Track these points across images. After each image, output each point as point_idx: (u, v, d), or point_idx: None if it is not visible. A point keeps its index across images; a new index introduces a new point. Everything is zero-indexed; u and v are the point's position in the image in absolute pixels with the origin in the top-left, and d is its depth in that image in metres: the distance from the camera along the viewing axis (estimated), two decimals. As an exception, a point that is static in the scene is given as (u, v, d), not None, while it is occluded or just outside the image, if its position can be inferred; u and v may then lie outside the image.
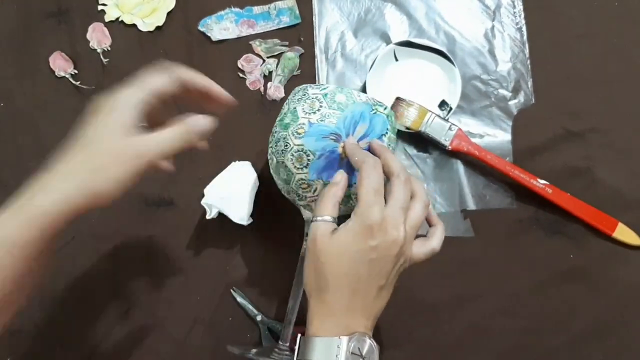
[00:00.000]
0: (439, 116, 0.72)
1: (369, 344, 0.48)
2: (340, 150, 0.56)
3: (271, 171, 0.62)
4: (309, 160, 0.56)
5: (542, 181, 0.70)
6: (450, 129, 0.71)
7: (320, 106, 0.57)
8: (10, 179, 0.74)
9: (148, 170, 0.49)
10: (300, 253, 0.63)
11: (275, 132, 0.60)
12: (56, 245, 0.51)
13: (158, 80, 0.52)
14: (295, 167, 0.57)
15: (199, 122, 0.52)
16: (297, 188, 0.59)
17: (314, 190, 0.58)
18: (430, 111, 0.71)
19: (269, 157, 0.61)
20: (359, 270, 0.49)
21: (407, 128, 0.72)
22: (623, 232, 0.70)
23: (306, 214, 0.62)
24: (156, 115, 0.52)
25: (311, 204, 0.60)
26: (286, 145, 0.57)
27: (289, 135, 0.57)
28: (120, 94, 0.50)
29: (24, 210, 0.47)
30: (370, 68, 0.73)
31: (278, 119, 0.60)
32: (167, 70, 0.53)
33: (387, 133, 0.58)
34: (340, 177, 0.53)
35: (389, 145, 0.58)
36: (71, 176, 0.48)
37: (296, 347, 0.50)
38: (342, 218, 0.51)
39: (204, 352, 0.70)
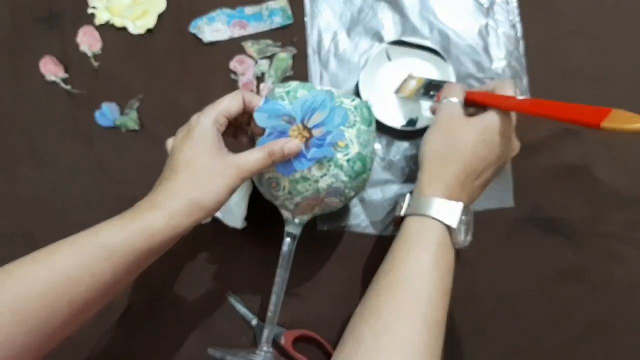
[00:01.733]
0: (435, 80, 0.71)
1: (472, 214, 0.59)
2: (290, 132, 0.56)
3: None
4: None
5: (522, 96, 0.64)
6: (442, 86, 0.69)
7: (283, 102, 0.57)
8: (1, 184, 0.74)
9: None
10: (281, 252, 0.62)
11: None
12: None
13: (226, 101, 0.56)
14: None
15: (285, 148, 0.55)
16: (268, 187, 0.59)
17: (283, 188, 0.58)
18: (428, 79, 0.71)
19: None
20: (483, 157, 0.59)
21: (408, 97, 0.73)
22: (616, 118, 0.56)
23: (284, 214, 0.62)
24: (227, 133, 0.58)
25: (285, 203, 0.59)
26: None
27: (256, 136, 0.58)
28: (201, 117, 0.55)
29: (135, 220, 0.51)
30: (363, 68, 0.73)
31: None
32: (234, 93, 0.57)
33: (355, 125, 0.58)
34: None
35: (359, 136, 0.58)
36: (176, 193, 0.52)
37: (404, 204, 0.60)
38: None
39: (199, 356, 0.69)
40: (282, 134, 0.56)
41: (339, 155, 0.57)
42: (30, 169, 0.74)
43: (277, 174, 0.57)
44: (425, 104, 0.72)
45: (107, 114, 0.74)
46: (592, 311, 0.69)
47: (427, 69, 0.74)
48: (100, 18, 0.77)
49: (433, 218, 0.56)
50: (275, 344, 0.68)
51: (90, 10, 0.77)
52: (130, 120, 0.74)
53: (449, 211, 0.56)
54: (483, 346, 0.69)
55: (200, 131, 0.54)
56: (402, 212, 0.59)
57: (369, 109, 0.60)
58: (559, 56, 0.75)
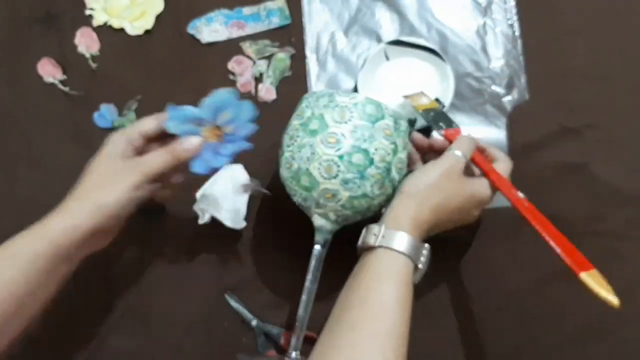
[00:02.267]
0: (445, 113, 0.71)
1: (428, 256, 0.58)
2: (202, 134, 0.61)
3: (285, 173, 0.61)
4: (338, 170, 0.57)
5: (521, 194, 0.65)
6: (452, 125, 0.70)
7: (352, 116, 0.57)
8: (0, 185, 0.74)
9: (148, 186, 0.57)
10: (312, 256, 0.62)
11: (298, 136, 0.59)
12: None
13: (142, 121, 0.61)
14: (322, 176, 0.57)
15: (184, 144, 0.59)
16: (319, 197, 0.58)
17: (338, 200, 0.58)
18: (438, 106, 0.71)
19: (285, 160, 0.60)
20: (456, 219, 0.61)
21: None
22: (594, 279, 0.58)
23: (319, 221, 0.61)
24: (144, 150, 0.60)
25: (329, 214, 0.60)
26: (313, 154, 0.57)
27: (317, 143, 0.57)
28: (112, 135, 0.59)
29: (39, 225, 0.55)
30: (362, 68, 0.73)
31: (298, 122, 0.60)
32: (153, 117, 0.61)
33: (351, 121, 0.58)
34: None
35: (355, 131, 0.58)
36: (78, 195, 0.56)
37: (379, 234, 0.56)
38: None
39: (198, 358, 0.69)
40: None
41: (397, 177, 0.60)
42: (28, 170, 0.74)
43: (339, 187, 0.57)
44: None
45: (106, 115, 0.74)
46: (591, 310, 0.69)
47: (425, 68, 0.74)
48: (98, 19, 0.76)
49: (406, 255, 0.55)
50: (273, 344, 0.68)
51: (88, 12, 0.77)
52: (129, 121, 0.74)
53: (421, 252, 0.56)
54: (482, 345, 0.69)
55: (107, 143, 0.59)
56: (377, 243, 0.55)
57: (377, 106, 0.59)
58: (557, 55, 0.75)
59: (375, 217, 0.61)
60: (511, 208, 0.71)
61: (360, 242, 0.57)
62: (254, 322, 0.69)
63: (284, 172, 0.61)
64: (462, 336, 0.69)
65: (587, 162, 0.72)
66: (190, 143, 0.59)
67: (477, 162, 0.63)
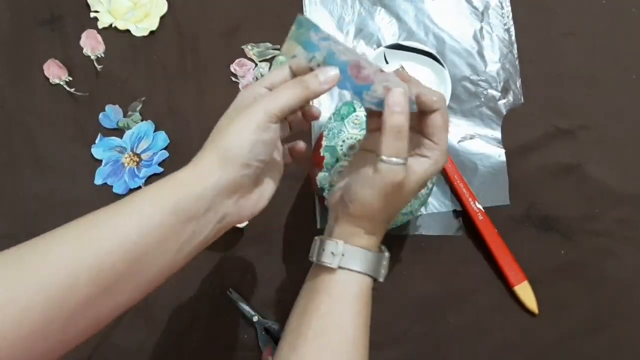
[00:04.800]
0: None
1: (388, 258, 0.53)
2: (123, 160, 0.72)
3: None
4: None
5: (479, 205, 0.71)
6: None
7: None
8: (4, 186, 0.75)
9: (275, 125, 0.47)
10: None
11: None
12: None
13: (283, 96, 0.48)
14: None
15: (320, 75, 0.48)
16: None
17: None
18: None
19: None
20: (407, 201, 0.51)
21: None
22: (524, 291, 0.69)
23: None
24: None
25: None
26: (340, 131, 0.61)
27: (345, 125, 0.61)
28: (243, 91, 0.51)
29: (160, 180, 0.47)
30: None
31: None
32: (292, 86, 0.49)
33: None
34: (401, 97, 0.47)
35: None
36: (205, 146, 0.48)
37: (325, 251, 0.50)
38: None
39: (200, 354, 0.70)
40: (117, 162, 0.74)
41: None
42: (34, 170, 0.75)
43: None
44: None
45: (111, 116, 0.76)
46: (586, 307, 0.70)
47: (423, 72, 0.75)
48: (103, 21, 0.78)
49: (368, 275, 0.50)
50: (274, 340, 0.69)
51: (92, 14, 0.78)
52: (133, 122, 0.75)
53: (381, 264, 0.52)
54: (479, 342, 0.70)
55: (236, 101, 0.51)
56: (336, 264, 0.50)
57: (349, 105, 0.63)
58: (551, 58, 0.77)
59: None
60: (506, 207, 0.73)
61: (314, 257, 0.51)
62: (255, 319, 0.70)
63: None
64: (459, 333, 0.70)
65: (580, 163, 0.73)
66: (327, 74, 0.48)
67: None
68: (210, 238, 0.49)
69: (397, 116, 0.46)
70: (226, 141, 0.46)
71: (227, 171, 0.46)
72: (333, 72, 0.48)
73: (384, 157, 0.47)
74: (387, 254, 0.52)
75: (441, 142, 0.49)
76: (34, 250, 0.44)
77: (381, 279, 0.51)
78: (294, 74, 0.50)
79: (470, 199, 0.71)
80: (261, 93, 0.50)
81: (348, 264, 0.50)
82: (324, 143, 0.61)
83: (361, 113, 0.60)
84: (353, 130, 0.59)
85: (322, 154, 0.61)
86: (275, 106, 0.47)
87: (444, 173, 0.73)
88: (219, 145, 0.46)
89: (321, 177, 0.61)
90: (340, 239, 0.50)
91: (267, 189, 0.52)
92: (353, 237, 0.50)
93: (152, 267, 0.46)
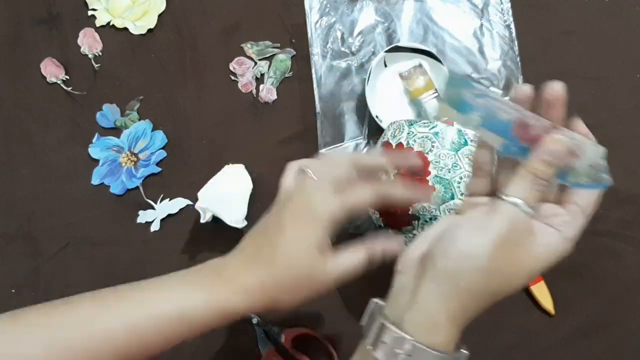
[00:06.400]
0: (439, 97, 0.72)
1: None
2: (121, 159, 0.71)
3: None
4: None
5: None
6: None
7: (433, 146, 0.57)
8: (2, 185, 0.74)
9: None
10: None
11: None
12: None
13: (359, 193, 0.47)
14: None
15: (380, 246, 0.48)
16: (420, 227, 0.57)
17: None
18: (435, 89, 0.72)
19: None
20: (519, 279, 0.40)
21: (410, 92, 0.73)
22: (541, 291, 0.69)
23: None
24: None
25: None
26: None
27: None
28: (317, 198, 0.46)
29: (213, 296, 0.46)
30: (367, 83, 0.72)
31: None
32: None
33: (433, 150, 0.57)
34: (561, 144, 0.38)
35: (438, 161, 0.57)
36: (257, 290, 0.46)
37: (402, 352, 0.38)
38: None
39: (200, 356, 0.69)
40: (114, 161, 0.73)
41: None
42: (31, 169, 0.75)
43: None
44: (433, 110, 0.72)
45: (108, 115, 0.75)
46: (589, 308, 0.70)
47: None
48: (101, 20, 0.77)
49: None
50: (273, 342, 0.68)
51: (90, 12, 0.77)
52: (131, 121, 0.75)
53: None
54: (481, 344, 0.69)
55: (317, 216, 0.46)
56: (368, 345, 0.40)
57: (459, 133, 0.58)
58: (552, 56, 0.76)
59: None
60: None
61: (368, 344, 0.40)
62: (254, 320, 0.69)
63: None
64: (462, 335, 0.70)
65: (583, 163, 0.73)
66: (392, 247, 0.47)
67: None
68: None
69: (543, 162, 0.38)
70: (283, 301, 0.46)
71: (272, 304, 0.46)
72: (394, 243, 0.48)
73: (508, 196, 0.38)
74: (466, 353, 0.42)
75: (578, 223, 0.41)
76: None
77: None
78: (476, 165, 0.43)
79: None
80: (328, 202, 0.46)
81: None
82: (432, 171, 0.55)
83: (473, 148, 0.48)
84: (469, 168, 0.54)
85: (431, 184, 0.55)
86: (341, 280, 0.46)
87: None
88: (276, 302, 0.46)
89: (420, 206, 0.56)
90: (411, 330, 0.38)
91: None
92: (432, 328, 0.39)
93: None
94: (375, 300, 0.43)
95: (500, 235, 0.37)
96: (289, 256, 0.46)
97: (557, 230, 0.39)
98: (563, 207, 0.41)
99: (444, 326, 0.39)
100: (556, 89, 0.41)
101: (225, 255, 0.49)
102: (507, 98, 0.45)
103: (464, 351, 0.41)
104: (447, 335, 0.39)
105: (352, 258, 0.47)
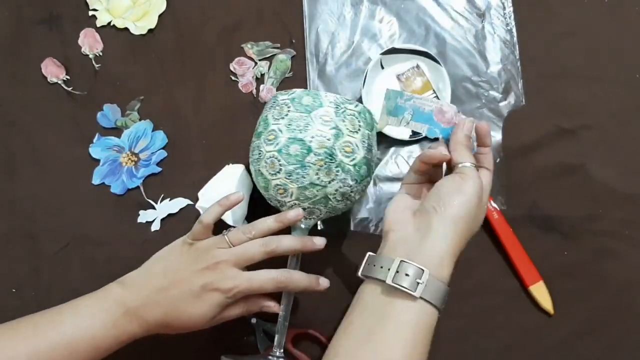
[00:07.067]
0: (437, 98, 0.73)
1: None
2: (121, 159, 0.72)
3: (254, 181, 0.63)
4: (280, 165, 0.58)
5: (494, 204, 0.71)
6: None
7: (289, 110, 0.59)
8: (2, 185, 0.74)
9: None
10: (288, 259, 0.63)
11: (252, 142, 0.62)
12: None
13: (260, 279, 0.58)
14: (269, 173, 0.59)
15: (294, 277, 0.59)
16: (275, 194, 0.60)
17: (291, 195, 0.59)
18: (433, 90, 0.73)
19: (250, 168, 0.63)
20: (482, 214, 0.56)
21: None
22: (540, 291, 0.69)
23: None
24: None
25: (292, 209, 0.61)
26: (259, 153, 0.60)
27: (262, 143, 0.59)
28: (234, 290, 0.57)
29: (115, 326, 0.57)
30: (364, 83, 0.72)
31: (255, 130, 0.62)
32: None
33: (360, 130, 0.59)
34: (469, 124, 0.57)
35: (364, 141, 0.59)
36: (156, 325, 0.58)
37: (422, 281, 0.49)
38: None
39: (199, 356, 0.69)
40: (114, 161, 0.73)
41: (346, 160, 0.58)
42: (31, 169, 0.74)
43: (285, 180, 0.58)
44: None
45: (109, 115, 0.75)
46: (588, 308, 0.70)
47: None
48: (101, 20, 0.77)
49: (440, 309, 0.51)
50: (272, 342, 0.68)
51: (91, 13, 0.78)
52: (132, 121, 0.75)
53: (444, 296, 0.51)
54: (481, 343, 0.70)
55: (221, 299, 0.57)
56: (418, 293, 0.49)
57: (371, 113, 0.62)
58: (553, 56, 0.76)
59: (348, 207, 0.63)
60: (506, 207, 0.72)
61: (389, 279, 0.50)
62: (254, 320, 0.69)
63: (254, 179, 0.64)
64: (460, 334, 0.70)
65: (583, 163, 0.73)
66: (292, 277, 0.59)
67: None
68: None
69: (465, 135, 0.56)
70: (175, 320, 0.57)
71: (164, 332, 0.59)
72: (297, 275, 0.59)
73: (462, 163, 0.55)
74: (448, 288, 0.51)
75: (489, 162, 0.58)
76: None
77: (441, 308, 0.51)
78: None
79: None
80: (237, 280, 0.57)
81: (430, 296, 0.49)
82: (252, 168, 0.63)
83: (276, 126, 0.60)
84: (268, 147, 0.60)
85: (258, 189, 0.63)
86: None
87: None
88: (166, 317, 0.57)
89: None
90: (425, 265, 0.49)
91: None
92: (441, 265, 0.51)
93: None
94: (372, 253, 0.54)
95: (478, 187, 0.53)
96: (187, 320, 0.57)
97: (488, 170, 0.57)
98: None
99: (447, 262, 0.51)
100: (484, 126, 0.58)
101: (131, 282, 0.58)
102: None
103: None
104: (449, 269, 0.51)
105: (232, 312, 0.59)
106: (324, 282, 0.60)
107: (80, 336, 0.54)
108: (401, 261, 0.50)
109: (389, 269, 0.50)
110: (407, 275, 0.49)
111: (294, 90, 0.61)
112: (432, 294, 0.49)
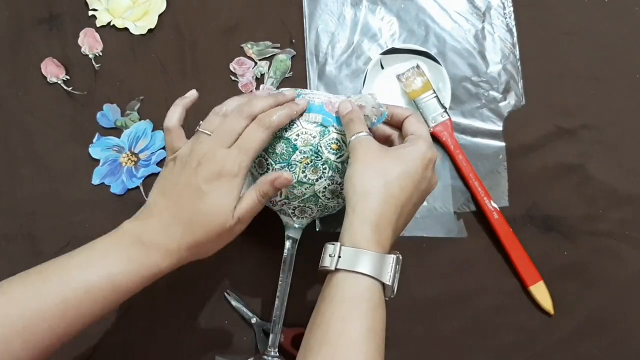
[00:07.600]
0: (437, 98, 0.72)
1: (400, 262, 0.51)
2: (121, 159, 0.71)
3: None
4: (268, 165, 0.58)
5: (494, 204, 0.71)
6: (442, 115, 0.72)
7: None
8: (2, 185, 0.74)
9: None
10: (282, 257, 0.63)
11: None
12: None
13: (252, 134, 0.55)
14: (259, 173, 0.59)
15: (269, 179, 0.55)
16: None
17: (280, 194, 0.59)
18: (433, 90, 0.72)
19: None
20: (410, 192, 0.52)
21: (407, 94, 0.74)
22: (540, 291, 0.69)
23: (283, 218, 0.63)
24: None
25: (284, 208, 0.61)
26: None
27: None
28: (228, 161, 0.54)
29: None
30: (364, 83, 0.73)
31: None
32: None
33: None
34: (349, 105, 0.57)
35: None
36: (179, 251, 0.54)
37: (334, 254, 0.49)
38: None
39: (199, 355, 0.69)
40: (114, 161, 0.73)
41: (333, 157, 0.58)
42: (31, 169, 0.74)
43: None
44: (431, 111, 0.73)
45: (108, 114, 0.75)
46: (588, 308, 0.70)
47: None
48: (101, 20, 0.77)
49: (370, 276, 0.48)
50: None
51: (91, 12, 0.78)
52: (131, 121, 0.75)
53: (388, 266, 0.49)
54: (481, 344, 0.70)
55: (231, 178, 0.53)
56: (333, 266, 0.49)
57: (297, 95, 0.61)
58: (555, 57, 0.76)
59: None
60: (507, 207, 0.72)
61: (320, 264, 0.51)
62: (253, 320, 0.69)
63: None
64: (461, 335, 0.70)
65: (583, 163, 0.73)
66: (281, 181, 0.56)
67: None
68: None
69: (349, 110, 0.56)
70: (198, 234, 0.53)
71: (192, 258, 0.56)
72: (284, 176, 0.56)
73: (351, 137, 0.54)
74: (394, 256, 0.50)
75: (420, 131, 0.56)
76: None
77: (388, 282, 0.49)
78: None
79: (485, 198, 0.70)
80: (238, 159, 0.54)
81: (346, 264, 0.49)
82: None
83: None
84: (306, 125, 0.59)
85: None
86: (250, 164, 0.54)
87: (458, 171, 0.72)
88: (188, 236, 0.53)
89: None
90: (340, 242, 0.50)
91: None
92: (353, 235, 0.50)
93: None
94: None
95: (359, 155, 0.53)
96: (209, 219, 0.53)
97: (414, 146, 0.54)
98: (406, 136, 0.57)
99: (362, 234, 0.49)
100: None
101: (137, 216, 0.55)
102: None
103: (394, 255, 0.50)
104: (366, 240, 0.49)
105: (249, 200, 0.55)
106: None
107: (96, 276, 0.50)
108: (324, 245, 0.51)
109: (322, 256, 0.51)
110: (330, 256, 0.50)
111: (280, 89, 0.61)
112: (351, 263, 0.48)
